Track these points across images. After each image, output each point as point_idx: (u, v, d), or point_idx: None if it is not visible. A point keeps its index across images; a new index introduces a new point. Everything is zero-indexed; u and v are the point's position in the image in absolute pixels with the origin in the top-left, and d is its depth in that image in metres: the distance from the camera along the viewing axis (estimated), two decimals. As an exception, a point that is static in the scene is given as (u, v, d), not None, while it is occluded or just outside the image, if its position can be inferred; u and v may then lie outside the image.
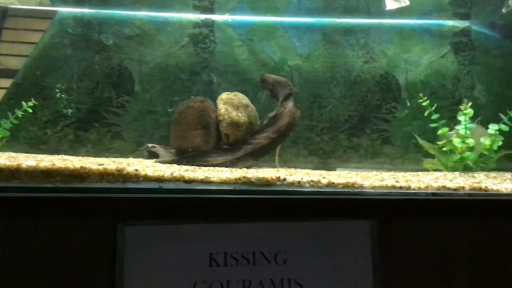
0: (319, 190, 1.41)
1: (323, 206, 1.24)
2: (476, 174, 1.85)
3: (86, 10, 2.15)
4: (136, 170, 1.38)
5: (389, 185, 1.46)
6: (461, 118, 2.01)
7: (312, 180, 1.43)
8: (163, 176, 1.39)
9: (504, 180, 1.75)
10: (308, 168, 1.99)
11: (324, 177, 1.48)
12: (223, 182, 1.40)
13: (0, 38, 2.18)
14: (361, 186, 1.44)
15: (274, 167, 1.93)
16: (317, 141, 2.17)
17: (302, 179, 1.43)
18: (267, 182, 1.42)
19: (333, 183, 1.43)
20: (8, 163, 1.32)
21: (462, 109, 2.01)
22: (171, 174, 1.40)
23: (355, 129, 2.19)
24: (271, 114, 1.91)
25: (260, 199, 1.21)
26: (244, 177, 1.42)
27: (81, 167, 1.35)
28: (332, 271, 1.16)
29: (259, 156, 1.86)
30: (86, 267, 1.12)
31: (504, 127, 1.94)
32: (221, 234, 1.14)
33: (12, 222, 1.14)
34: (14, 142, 1.98)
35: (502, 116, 1.98)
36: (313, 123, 2.18)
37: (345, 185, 1.43)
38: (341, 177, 1.59)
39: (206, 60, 2.15)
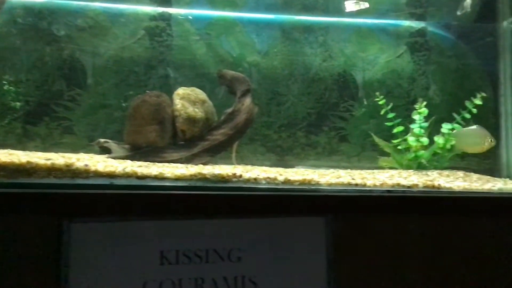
0: (276, 187, 1.40)
1: (279, 203, 1.22)
2: (429, 172, 1.89)
3: (37, 0, 2.06)
4: (86, 165, 1.32)
5: (345, 182, 1.46)
6: (416, 117, 2.04)
7: (268, 177, 1.42)
8: (114, 171, 1.34)
9: (457, 178, 1.79)
10: (266, 166, 1.98)
11: (281, 174, 1.47)
12: (177, 179, 1.37)
13: None
14: (318, 183, 1.43)
15: (231, 164, 1.90)
16: (275, 138, 2.16)
17: (258, 175, 1.42)
18: (223, 179, 1.39)
19: (289, 180, 1.42)
20: None
21: (417, 108, 2.05)
22: (123, 169, 1.35)
23: (313, 127, 2.19)
24: (229, 110, 1.88)
25: (215, 195, 1.18)
26: (199, 173, 1.39)
27: (28, 161, 1.29)
28: (287, 268, 1.15)
29: (215, 153, 1.83)
30: (30, 266, 1.06)
31: (457, 127, 1.99)
32: (174, 231, 1.10)
33: None
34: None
35: (455, 115, 2.03)
36: (271, 120, 2.16)
37: (302, 182, 1.43)
38: (298, 174, 1.58)
39: (163, 54, 2.09)
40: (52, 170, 1.29)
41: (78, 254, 1.03)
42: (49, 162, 1.30)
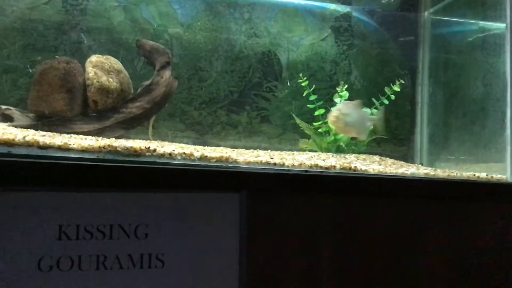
0: (191, 163, 1.34)
1: (192, 178, 1.16)
2: (347, 156, 1.90)
3: None
4: (-20, 131, 1.20)
5: (263, 161, 1.43)
6: (337, 100, 2.05)
7: (184, 153, 1.35)
8: (13, 140, 1.22)
9: (373, 162, 1.82)
10: (184, 143, 1.91)
11: (197, 151, 1.41)
12: (84, 150, 1.27)
13: None
14: (235, 161, 1.39)
15: (147, 139, 1.81)
16: (195, 115, 2.08)
17: (173, 151, 1.35)
18: (135, 152, 1.31)
19: (206, 156, 1.36)
20: None
21: (338, 91, 2.06)
22: (23, 138, 1.23)
23: (234, 105, 2.13)
24: (146, 82, 1.79)
25: (123, 167, 1.10)
26: (109, 145, 1.30)
27: None
28: (197, 246, 1.09)
29: (130, 127, 1.74)
30: None
31: (376, 112, 2.02)
32: (75, 204, 1.01)
33: None
34: None
35: (374, 101, 2.06)
36: (191, 96, 2.08)
37: (219, 159, 1.37)
38: (216, 151, 1.53)
39: (76, 19, 1.94)
40: None
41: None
42: None
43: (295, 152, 1.98)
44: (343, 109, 1.77)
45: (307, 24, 2.23)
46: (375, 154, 2.09)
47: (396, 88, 2.05)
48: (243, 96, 2.15)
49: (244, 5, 2.15)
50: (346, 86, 2.06)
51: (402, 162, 2.00)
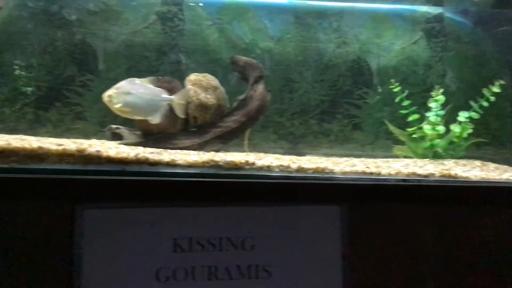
0: (289, 175, 1.38)
1: (293, 191, 1.20)
2: (445, 161, 1.85)
3: (48, -17, 2.03)
4: (98, 151, 1.31)
5: (359, 170, 1.44)
6: (432, 104, 2.00)
7: (281, 165, 1.40)
8: (126, 158, 1.32)
9: (473, 167, 1.75)
10: (278, 153, 1.95)
11: (294, 162, 1.45)
12: (190, 166, 1.35)
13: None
14: (332, 172, 1.41)
15: (243, 151, 1.88)
16: (287, 125, 2.13)
17: (271, 163, 1.40)
18: (235, 166, 1.37)
19: (303, 168, 1.40)
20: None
21: (434, 95, 2.01)
22: (135, 156, 1.34)
23: (326, 114, 2.15)
24: (241, 96, 1.86)
25: (228, 182, 1.16)
26: (211, 160, 1.37)
27: (39, 147, 1.28)
28: (301, 257, 1.13)
29: (227, 140, 1.81)
30: (42, 251, 1.06)
31: (475, 115, 1.95)
32: (187, 218, 1.09)
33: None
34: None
35: (472, 103, 1.99)
36: (283, 107, 2.13)
37: (315, 170, 1.40)
38: (312, 162, 1.56)
39: (175, 40, 2.07)
40: (64, 155, 1.28)
41: (91, 239, 1.02)
42: (60, 148, 1.29)
43: (389, 159, 1.95)
44: (123, 87, 1.58)
45: (397, 28, 2.20)
46: (475, 158, 2.01)
47: (496, 89, 1.97)
48: (334, 104, 2.16)
49: (332, 14, 2.17)
50: (441, 90, 2.00)
51: (506, 166, 1.91)
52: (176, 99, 1.67)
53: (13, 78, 1.95)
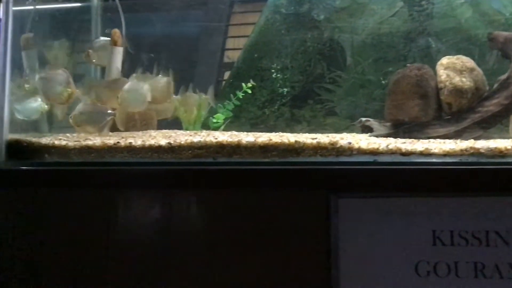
0: None
1: None
2: None
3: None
4: (349, 143, 1.34)
5: None
6: None
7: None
8: (377, 149, 1.32)
9: None
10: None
11: None
12: (446, 154, 1.27)
13: (227, 34, 2.38)
14: None
15: (508, 137, 1.67)
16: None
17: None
18: (500, 153, 1.23)
19: None
20: (230, 139, 1.41)
21: None
22: (387, 146, 1.32)
23: None
24: (503, 76, 1.65)
25: (493, 170, 1.04)
26: (471, 147, 1.26)
27: (296, 141, 1.37)
28: None
29: (489, 126, 1.63)
30: (301, 236, 1.12)
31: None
32: (446, 209, 1.01)
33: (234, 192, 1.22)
34: (237, 123, 2.11)
35: None
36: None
37: None
38: None
39: (423, 24, 1.96)
40: (318, 148, 1.35)
41: (346, 227, 1.04)
42: (315, 141, 1.36)
43: None
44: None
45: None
46: None
47: None
48: None
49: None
50: None
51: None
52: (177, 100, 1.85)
53: (271, 81, 2.14)
